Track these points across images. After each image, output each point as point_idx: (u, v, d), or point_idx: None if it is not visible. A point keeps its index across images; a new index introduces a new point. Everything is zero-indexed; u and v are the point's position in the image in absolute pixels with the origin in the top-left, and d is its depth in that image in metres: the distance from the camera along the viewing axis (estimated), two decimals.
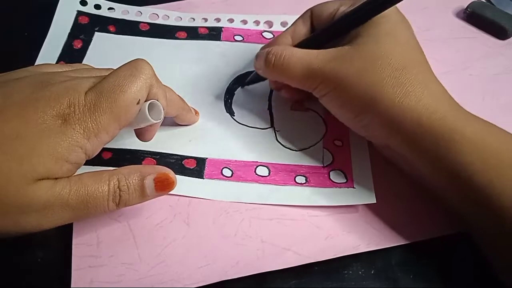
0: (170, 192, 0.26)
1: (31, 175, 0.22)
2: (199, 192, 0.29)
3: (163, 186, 0.25)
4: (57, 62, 0.35)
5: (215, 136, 0.32)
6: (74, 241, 0.26)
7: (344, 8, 0.29)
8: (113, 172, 0.24)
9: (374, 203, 0.28)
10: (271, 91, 0.34)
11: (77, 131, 0.23)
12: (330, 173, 0.30)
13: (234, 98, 0.34)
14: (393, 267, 0.27)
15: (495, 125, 0.25)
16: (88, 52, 0.36)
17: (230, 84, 0.35)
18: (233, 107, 0.33)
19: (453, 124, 0.25)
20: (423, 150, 0.25)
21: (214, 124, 0.32)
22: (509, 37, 0.39)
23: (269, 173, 0.30)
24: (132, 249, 0.26)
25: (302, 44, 0.30)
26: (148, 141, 0.29)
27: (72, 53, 0.36)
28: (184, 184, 0.29)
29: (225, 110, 0.33)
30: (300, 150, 0.31)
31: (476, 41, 0.39)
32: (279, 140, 0.32)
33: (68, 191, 0.23)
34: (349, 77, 0.26)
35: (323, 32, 0.29)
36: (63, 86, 0.23)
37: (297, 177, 0.30)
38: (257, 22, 0.39)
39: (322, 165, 0.30)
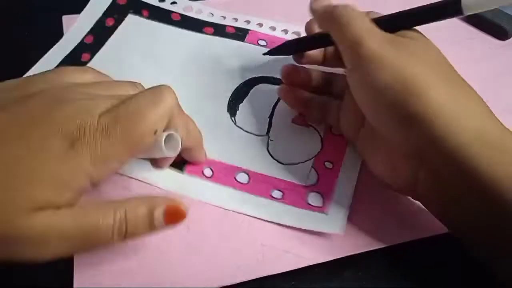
0: (150, 183, 0.27)
1: (29, 204, 0.20)
2: (177, 187, 0.29)
3: (173, 219, 0.23)
4: (85, 36, 0.36)
5: (207, 131, 0.31)
6: None
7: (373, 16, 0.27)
8: (120, 203, 0.22)
9: (371, 206, 0.28)
10: (277, 100, 0.34)
11: (84, 156, 0.21)
12: (309, 194, 0.29)
13: (239, 100, 0.34)
14: (393, 268, 0.27)
15: None
16: (116, 31, 0.37)
17: (240, 85, 0.34)
18: (236, 108, 0.33)
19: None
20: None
21: (210, 120, 0.32)
22: (509, 38, 0.39)
23: (248, 181, 0.29)
24: (132, 252, 0.26)
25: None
26: (161, 169, 0.28)
27: (102, 30, 0.37)
28: (164, 175, 0.29)
29: (226, 109, 0.33)
30: (288, 164, 0.30)
31: (476, 42, 0.39)
32: (269, 150, 0.31)
33: (68, 223, 0.21)
34: (401, 57, 0.24)
35: (391, 17, 0.27)
36: (76, 106, 0.22)
37: (273, 191, 0.29)
38: (285, 31, 0.39)
39: (304, 184, 0.29)
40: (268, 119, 0.33)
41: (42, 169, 0.20)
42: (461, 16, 0.25)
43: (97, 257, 0.26)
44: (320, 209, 0.28)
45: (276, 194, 0.29)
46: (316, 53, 0.30)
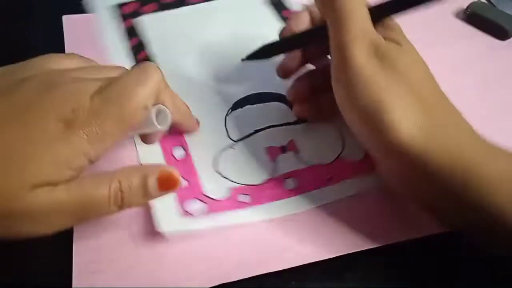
0: None
1: (30, 182, 0.21)
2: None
3: (167, 185, 0.24)
4: None
5: (206, 104, 0.32)
6: (74, 243, 0.26)
7: None
8: (114, 174, 0.24)
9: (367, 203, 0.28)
10: (273, 125, 0.32)
11: (81, 137, 0.22)
12: (196, 200, 0.28)
13: (251, 102, 0.33)
14: (393, 267, 0.27)
15: None
16: None
17: (265, 92, 0.34)
18: (240, 106, 0.33)
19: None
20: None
21: (217, 99, 0.33)
22: (509, 38, 0.39)
23: (180, 157, 0.30)
24: (133, 251, 0.26)
25: None
26: (151, 144, 0.29)
27: None
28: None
29: (236, 100, 0.33)
30: (218, 173, 0.30)
31: (476, 42, 0.39)
32: (221, 153, 0.31)
33: (66, 197, 0.22)
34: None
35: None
36: (68, 89, 0.22)
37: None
38: None
39: (204, 192, 0.29)
40: (252, 131, 0.32)
41: (42, 149, 0.21)
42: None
43: (96, 257, 0.26)
44: (184, 212, 0.27)
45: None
46: (297, 53, 0.30)
